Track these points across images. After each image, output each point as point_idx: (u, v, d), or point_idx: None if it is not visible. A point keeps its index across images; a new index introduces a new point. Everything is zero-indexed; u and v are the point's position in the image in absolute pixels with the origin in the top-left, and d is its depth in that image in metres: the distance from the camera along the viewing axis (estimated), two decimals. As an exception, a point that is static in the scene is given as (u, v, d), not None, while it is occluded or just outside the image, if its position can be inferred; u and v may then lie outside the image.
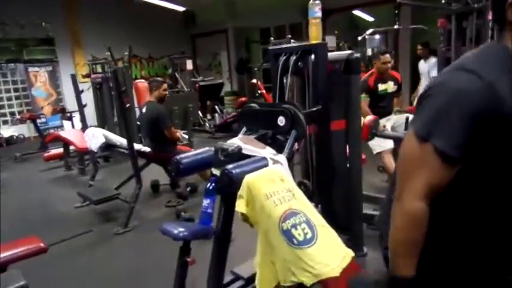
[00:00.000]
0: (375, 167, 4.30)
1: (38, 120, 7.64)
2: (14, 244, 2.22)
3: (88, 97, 6.64)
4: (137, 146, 3.74)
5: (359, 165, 2.56)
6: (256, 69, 6.05)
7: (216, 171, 2.02)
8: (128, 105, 4.61)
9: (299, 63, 2.38)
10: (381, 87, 3.93)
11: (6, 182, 5.48)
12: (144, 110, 4.10)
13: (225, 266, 2.01)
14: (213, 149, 2.25)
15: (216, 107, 8.08)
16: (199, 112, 7.67)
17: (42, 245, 2.14)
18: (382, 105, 3.89)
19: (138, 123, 4.32)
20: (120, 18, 9.83)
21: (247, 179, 1.65)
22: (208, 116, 7.94)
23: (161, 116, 3.91)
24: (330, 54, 2.47)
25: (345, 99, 2.48)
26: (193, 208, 3.85)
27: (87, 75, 6.54)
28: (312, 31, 2.39)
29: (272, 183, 1.66)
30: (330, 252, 1.52)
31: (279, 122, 2.10)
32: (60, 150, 5.88)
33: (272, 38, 5.87)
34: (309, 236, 1.50)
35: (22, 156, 6.89)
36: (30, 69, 9.06)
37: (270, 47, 2.65)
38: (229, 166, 1.76)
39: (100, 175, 4.94)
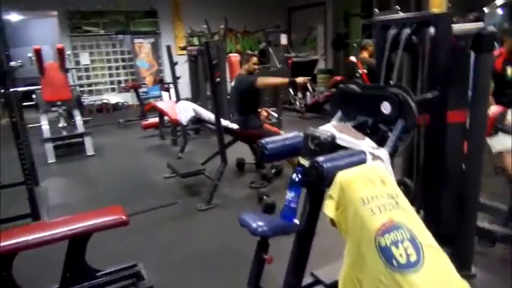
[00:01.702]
0: (489, 168, 3.63)
1: (140, 90, 8.13)
2: (97, 213, 2.27)
3: (184, 69, 6.83)
4: (225, 122, 3.65)
5: (479, 167, 2.08)
6: (355, 45, 5.53)
7: (304, 161, 1.76)
8: (218, 79, 4.53)
9: (413, 38, 1.97)
10: (511, 71, 3.24)
11: (108, 146, 5.94)
12: (233, 83, 4.00)
13: (305, 267, 1.79)
14: (302, 134, 1.99)
15: (309, 85, 7.70)
16: (290, 90, 7.41)
17: (124, 217, 2.13)
18: (510, 94, 3.21)
19: (229, 97, 4.24)
20: (219, -10, 9.88)
21: (341, 176, 1.37)
22: (300, 95, 7.63)
23: (248, 80, 3.78)
24: (455, 27, 1.99)
25: (470, 85, 2.00)
26: (277, 192, 3.67)
27: (184, 48, 6.67)
28: (434, -2, 1.94)
29: (371, 186, 1.36)
30: (439, 283, 1.19)
31: (382, 109, 1.75)
32: (157, 119, 6.16)
33: (376, 10, 5.28)
34: (413, 258, 1.20)
35: (124, 123, 7.42)
36: (135, 40, 9.64)
37: (378, 18, 2.26)
38: (320, 158, 1.49)
39: (190, 147, 5.04)
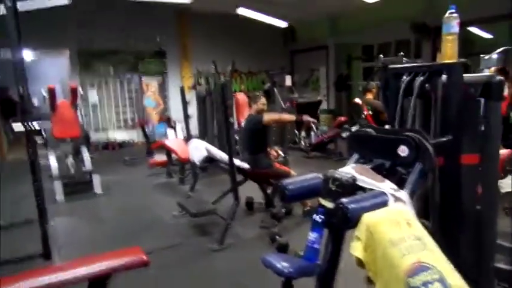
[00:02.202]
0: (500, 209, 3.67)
1: (146, 128, 8.26)
2: (117, 254, 2.27)
3: (191, 108, 6.99)
4: (237, 162, 3.72)
5: (494, 208, 2.13)
6: (360, 88, 5.72)
7: (325, 202, 1.81)
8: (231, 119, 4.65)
9: (426, 85, 2.09)
10: (515, 115, 3.36)
11: (115, 184, 5.97)
12: (243, 123, 4.11)
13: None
14: (320, 175, 2.05)
15: (313, 125, 7.87)
16: (296, 131, 7.56)
17: (144, 257, 2.13)
18: (515, 137, 3.31)
19: (237, 137, 4.34)
20: (224, 33, 10.28)
21: (368, 219, 1.42)
22: (303, 134, 7.76)
23: (257, 119, 3.91)
24: (466, 76, 2.11)
25: (480, 130, 2.09)
26: (288, 231, 3.69)
27: (194, 87, 6.85)
28: (446, 48, 2.06)
29: (398, 227, 1.40)
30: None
31: (399, 152, 1.82)
32: (164, 157, 6.22)
33: (381, 56, 5.50)
34: (443, 299, 1.22)
35: (131, 160, 7.49)
36: (143, 79, 9.91)
37: (391, 66, 2.38)
38: (345, 199, 1.54)
39: (198, 185, 5.06)
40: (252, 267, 3.18)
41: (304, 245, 1.95)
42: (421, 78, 2.07)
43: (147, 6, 8.83)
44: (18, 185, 6.06)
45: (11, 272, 2.24)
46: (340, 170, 1.85)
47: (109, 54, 9.50)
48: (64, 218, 4.57)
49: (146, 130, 8.17)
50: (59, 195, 5.19)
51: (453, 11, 2.05)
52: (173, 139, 6.25)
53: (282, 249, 3.21)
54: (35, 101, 4.29)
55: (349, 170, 1.87)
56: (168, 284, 2.91)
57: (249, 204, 4.44)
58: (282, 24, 10.67)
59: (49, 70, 10.49)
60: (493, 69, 4.17)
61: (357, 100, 5.50)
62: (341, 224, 1.56)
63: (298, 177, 2.09)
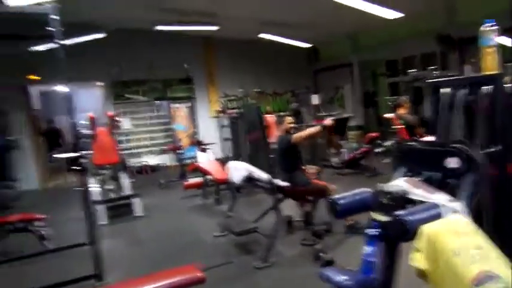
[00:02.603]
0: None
1: (178, 151, 8.50)
2: (173, 272, 2.37)
3: (219, 131, 7.17)
4: (275, 181, 3.80)
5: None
6: (392, 103, 5.75)
7: (377, 216, 1.86)
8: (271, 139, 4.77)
9: (468, 97, 2.14)
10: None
11: (153, 206, 6.14)
12: (275, 145, 4.19)
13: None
14: (369, 190, 2.11)
15: (342, 142, 7.91)
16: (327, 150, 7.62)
17: (199, 275, 2.22)
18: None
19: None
20: (248, 56, 10.56)
21: (428, 230, 1.46)
22: (333, 150, 7.79)
23: (286, 138, 4.02)
24: (507, 86, 2.15)
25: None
26: (331, 249, 3.70)
27: (222, 111, 7.04)
28: (486, 61, 2.12)
29: (457, 237, 1.43)
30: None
31: (448, 163, 1.87)
32: (198, 180, 6.37)
33: (412, 71, 5.57)
34: (510, 308, 1.24)
35: (166, 183, 7.69)
36: (172, 105, 10.22)
37: (431, 80, 2.44)
38: (401, 212, 1.60)
39: (234, 206, 5.14)
40: (297, 283, 3.22)
41: (350, 260, 2.00)
42: (464, 90, 2.13)
43: (174, 35, 9.22)
44: (62, 210, 6.33)
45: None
46: (390, 183, 1.91)
47: (139, 83, 9.91)
48: (109, 240, 4.72)
49: (178, 154, 8.40)
50: (102, 219, 5.38)
51: (490, 24, 2.11)
52: (207, 161, 6.40)
53: (328, 264, 3.23)
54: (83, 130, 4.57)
55: (400, 183, 1.92)
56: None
57: (289, 222, 4.47)
58: (305, 45, 10.87)
59: (84, 101, 11.01)
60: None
61: (389, 115, 5.52)
62: (399, 236, 1.61)
63: (348, 192, 2.15)
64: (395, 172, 2.12)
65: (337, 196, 2.12)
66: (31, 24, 3.90)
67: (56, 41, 3.30)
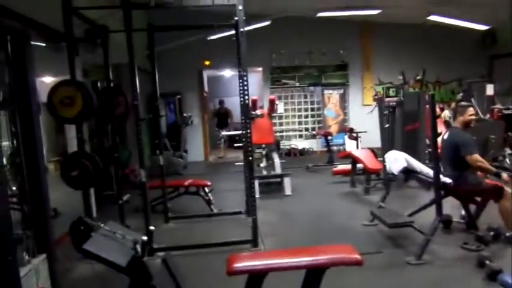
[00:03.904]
0: None
1: (328, 137, 8.58)
2: (332, 249, 2.44)
3: (373, 120, 6.91)
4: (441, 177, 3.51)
5: None
6: None
7: None
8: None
9: None
10: None
11: (301, 187, 6.38)
12: (446, 136, 3.82)
13: None
14: None
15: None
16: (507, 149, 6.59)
17: (358, 257, 2.24)
18: None
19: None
20: (409, 41, 9.83)
21: None
22: (508, 151, 6.68)
23: (465, 141, 3.54)
24: None
25: None
26: (497, 257, 3.25)
27: (379, 99, 6.75)
28: None
29: None
30: None
31: None
32: (348, 167, 6.33)
33: None
34: None
35: (313, 167, 7.88)
36: (325, 91, 10.34)
37: None
38: None
39: (380, 197, 4.97)
40: (455, 285, 2.96)
41: None
42: None
43: (332, 21, 9.19)
44: (222, 181, 7.14)
45: (224, 253, 2.66)
46: None
47: (295, 69, 10.27)
48: (261, 212, 5.11)
49: (328, 139, 8.49)
50: (256, 193, 5.84)
51: None
52: (360, 150, 6.31)
53: (495, 275, 2.86)
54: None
55: None
56: (369, 285, 2.95)
57: (447, 222, 4.09)
58: (479, 27, 9.50)
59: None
60: None
61: None
62: None
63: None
64: None
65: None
66: (208, 16, 4.42)
67: (240, 29, 3.67)
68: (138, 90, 3.76)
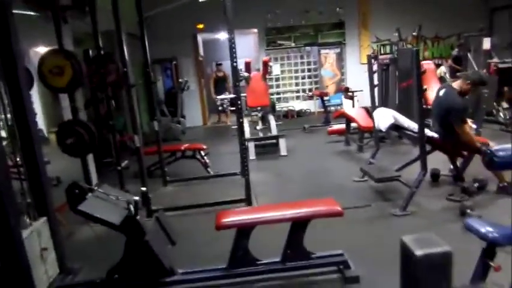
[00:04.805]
0: None
1: (324, 98, 8.59)
2: (315, 202, 2.58)
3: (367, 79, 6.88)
4: (426, 131, 3.58)
5: None
6: None
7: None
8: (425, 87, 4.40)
9: None
10: None
11: (296, 148, 6.50)
12: (441, 93, 3.79)
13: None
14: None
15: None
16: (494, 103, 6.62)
17: (339, 208, 2.38)
18: None
19: (429, 106, 4.12)
20: (409, -4, 9.58)
21: None
22: (504, 105, 6.70)
23: (458, 108, 3.55)
24: None
25: None
26: (481, 207, 3.41)
27: (375, 57, 6.71)
28: None
29: None
30: None
31: None
32: (343, 126, 6.41)
33: None
34: None
35: (310, 128, 7.97)
36: (322, 51, 10.21)
37: None
38: None
39: (377, 154, 5.07)
40: (436, 234, 3.10)
41: (499, 222, 1.83)
42: None
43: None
44: (219, 144, 7.27)
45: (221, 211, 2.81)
46: None
47: (291, 29, 10.08)
48: (256, 173, 5.26)
49: (324, 100, 8.50)
50: (252, 155, 5.99)
51: None
52: (354, 108, 6.34)
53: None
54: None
55: None
56: (353, 238, 3.11)
57: (435, 176, 4.22)
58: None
59: (240, 47, 11.84)
60: None
61: None
62: None
63: (509, 144, 1.93)
64: None
65: (496, 147, 1.94)
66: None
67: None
68: (128, 57, 3.78)
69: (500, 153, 1.88)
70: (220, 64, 10.12)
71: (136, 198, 2.47)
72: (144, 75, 4.98)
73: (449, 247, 1.29)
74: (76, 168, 3.90)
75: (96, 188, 2.57)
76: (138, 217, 2.43)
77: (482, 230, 1.69)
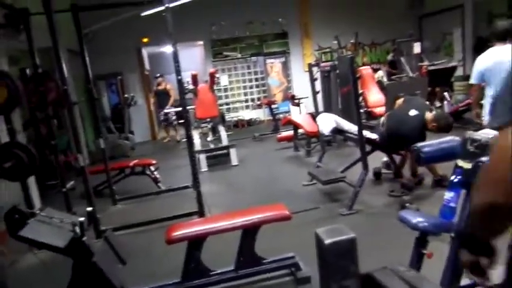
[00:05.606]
0: None
1: (272, 106, 8.79)
2: (264, 209, 2.65)
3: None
4: (365, 133, 3.80)
5: None
6: None
7: (462, 163, 1.84)
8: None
9: None
10: None
11: (248, 157, 6.58)
12: (412, 113, 3.80)
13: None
14: (457, 138, 2.06)
15: (446, 94, 7.30)
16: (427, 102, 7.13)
17: (287, 213, 2.46)
18: None
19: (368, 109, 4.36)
20: (345, 6, 10.10)
21: None
22: (437, 104, 7.25)
23: (415, 142, 3.67)
24: None
25: None
26: (419, 200, 3.67)
27: (317, 64, 7.00)
28: None
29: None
30: None
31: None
32: (291, 133, 6.59)
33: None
34: None
35: (260, 136, 8.11)
36: (267, 61, 10.46)
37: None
38: (484, 159, 1.57)
39: (324, 157, 5.28)
40: (379, 229, 3.29)
41: (435, 212, 2.01)
42: None
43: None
44: (169, 158, 7.18)
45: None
46: (479, 132, 1.85)
47: (236, 40, 10.25)
48: (209, 184, 5.28)
49: (272, 108, 8.69)
50: (203, 166, 5.99)
51: None
52: (300, 115, 6.55)
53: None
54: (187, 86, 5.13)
55: (489, 131, 1.85)
56: (303, 240, 3.19)
57: (377, 174, 4.48)
58: (408, -12, 9.95)
59: (186, 60, 11.82)
60: None
61: None
62: (480, 182, 1.59)
63: (434, 140, 2.13)
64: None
65: (422, 144, 2.13)
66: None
67: (166, 4, 3.64)
68: (68, 74, 3.66)
69: (426, 149, 2.07)
70: (160, 76, 9.85)
71: (82, 219, 2.40)
72: (87, 92, 4.84)
73: (354, 234, 1.48)
74: (17, 192, 3.69)
75: (38, 211, 2.46)
76: (84, 238, 2.36)
77: (414, 220, 1.84)
